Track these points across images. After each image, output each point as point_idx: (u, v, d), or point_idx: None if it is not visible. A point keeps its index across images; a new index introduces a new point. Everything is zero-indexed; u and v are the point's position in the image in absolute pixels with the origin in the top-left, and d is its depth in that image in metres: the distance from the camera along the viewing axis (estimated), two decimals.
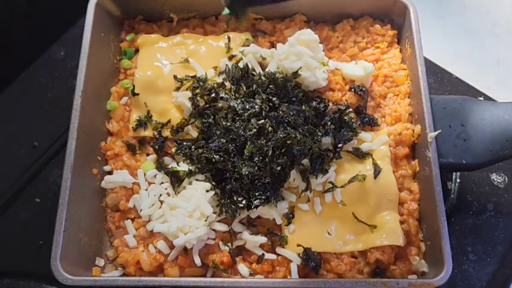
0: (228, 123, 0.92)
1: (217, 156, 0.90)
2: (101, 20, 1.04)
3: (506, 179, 1.11)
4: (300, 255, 0.88)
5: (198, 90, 0.98)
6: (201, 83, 0.99)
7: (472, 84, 1.24)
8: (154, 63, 1.04)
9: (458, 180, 1.11)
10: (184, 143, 0.97)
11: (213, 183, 0.92)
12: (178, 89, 1.00)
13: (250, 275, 0.88)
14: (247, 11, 0.65)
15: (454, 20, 1.48)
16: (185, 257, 0.89)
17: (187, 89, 1.00)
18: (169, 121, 0.98)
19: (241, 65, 1.00)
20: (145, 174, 0.96)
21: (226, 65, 1.01)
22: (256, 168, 0.89)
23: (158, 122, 0.98)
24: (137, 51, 1.09)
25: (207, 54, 1.05)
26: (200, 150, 0.92)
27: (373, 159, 0.95)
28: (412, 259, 0.91)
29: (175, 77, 1.01)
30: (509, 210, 1.08)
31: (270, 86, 0.96)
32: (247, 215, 0.91)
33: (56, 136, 1.11)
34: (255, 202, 0.88)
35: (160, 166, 0.96)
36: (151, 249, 0.90)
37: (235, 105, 0.94)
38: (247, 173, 0.88)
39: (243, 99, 0.96)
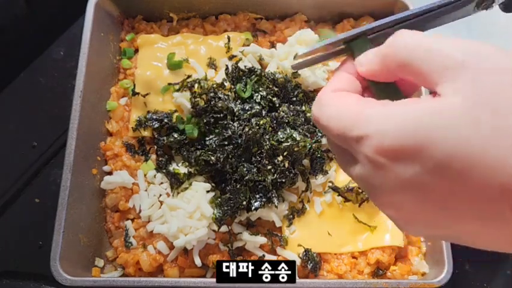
0: (227, 124, 0.92)
1: (214, 158, 0.89)
2: (100, 20, 1.03)
3: None
4: (300, 255, 0.88)
5: (197, 91, 0.98)
6: (200, 83, 0.98)
7: None
8: (153, 63, 1.04)
9: None
10: (183, 145, 0.96)
11: (213, 184, 0.92)
12: (178, 89, 1.00)
13: None
14: None
15: None
16: (185, 258, 0.89)
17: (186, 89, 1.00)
18: (168, 122, 0.98)
19: (241, 65, 1.00)
20: (145, 175, 0.96)
21: (226, 65, 1.01)
22: (256, 169, 0.89)
23: (157, 119, 0.98)
24: (137, 51, 1.08)
25: (207, 54, 1.05)
26: (198, 152, 0.92)
27: None
28: (413, 260, 0.90)
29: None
30: None
31: (270, 86, 0.96)
32: (247, 217, 0.91)
33: (55, 136, 1.10)
34: (255, 204, 0.88)
35: (160, 167, 0.96)
36: (151, 250, 0.90)
37: (233, 106, 0.93)
38: (246, 174, 0.88)
39: (242, 99, 0.95)
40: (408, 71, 0.37)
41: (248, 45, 1.05)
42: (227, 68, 1.00)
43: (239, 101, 0.95)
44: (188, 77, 0.99)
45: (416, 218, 0.36)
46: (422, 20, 0.46)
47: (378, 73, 0.41)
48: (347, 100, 0.40)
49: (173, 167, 0.95)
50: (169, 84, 1.00)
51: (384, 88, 0.42)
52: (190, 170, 0.93)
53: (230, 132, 0.91)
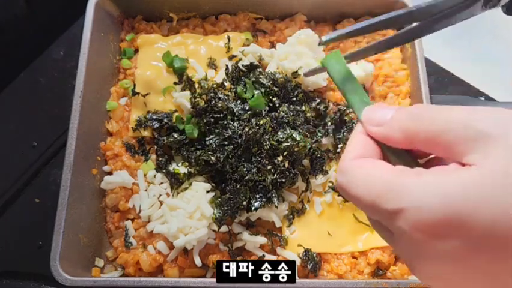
0: (227, 124, 0.92)
1: (214, 158, 0.89)
2: (100, 20, 1.03)
3: None
4: (300, 255, 0.88)
5: (197, 91, 0.98)
6: (200, 83, 0.98)
7: (472, 84, 1.24)
8: (153, 63, 1.04)
9: None
10: (183, 145, 0.96)
11: (213, 184, 0.92)
12: (182, 89, 1.00)
13: None
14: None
15: None
16: (185, 258, 0.89)
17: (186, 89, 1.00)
18: (168, 122, 0.98)
19: (240, 65, 1.00)
20: (145, 175, 0.96)
21: (226, 65, 1.01)
22: (255, 169, 0.88)
23: (157, 119, 0.98)
24: (136, 51, 1.08)
25: (207, 54, 1.05)
26: (198, 152, 0.92)
27: None
28: None
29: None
30: None
31: (270, 86, 0.96)
32: (246, 217, 0.91)
33: (55, 136, 1.11)
34: (255, 204, 0.88)
35: (160, 167, 0.96)
36: (151, 250, 0.90)
37: (233, 106, 0.93)
38: (246, 174, 0.88)
39: (242, 99, 0.95)
40: (432, 144, 0.36)
41: (248, 45, 1.05)
42: (227, 68, 1.00)
43: (239, 101, 0.95)
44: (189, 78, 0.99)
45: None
46: (431, 22, 0.46)
47: (395, 141, 0.40)
48: (374, 168, 0.39)
49: (173, 167, 0.95)
50: (175, 83, 1.00)
51: (397, 152, 0.41)
52: (190, 170, 0.93)
53: (230, 132, 0.91)
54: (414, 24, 0.47)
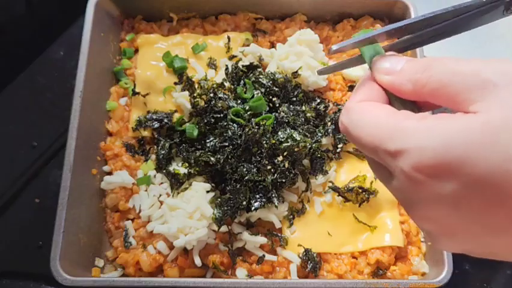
0: (227, 124, 0.92)
1: (214, 159, 0.89)
2: (100, 20, 1.03)
3: None
4: (300, 255, 0.88)
5: (197, 91, 0.98)
6: (200, 83, 0.98)
7: None
8: (153, 63, 1.04)
9: None
10: (183, 145, 0.96)
11: (213, 184, 0.92)
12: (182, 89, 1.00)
13: (248, 276, 0.88)
14: None
15: None
16: (185, 258, 0.89)
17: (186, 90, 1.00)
18: (168, 122, 0.98)
19: (240, 65, 1.00)
20: (145, 175, 0.96)
21: (226, 65, 1.01)
22: (255, 169, 0.88)
23: (157, 119, 0.98)
24: (136, 51, 1.08)
25: (207, 54, 1.05)
26: (198, 153, 0.92)
27: None
28: (413, 260, 0.90)
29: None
30: None
31: (270, 86, 0.96)
32: (246, 218, 0.91)
33: (55, 136, 1.10)
34: (255, 204, 0.88)
35: (160, 167, 0.96)
36: (151, 250, 0.90)
37: (233, 106, 0.93)
38: (246, 174, 0.88)
39: (242, 99, 0.95)
40: (440, 94, 0.37)
41: (248, 45, 1.05)
42: (227, 68, 1.00)
43: (239, 101, 0.95)
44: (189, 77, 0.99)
45: (453, 232, 0.36)
46: (450, 25, 0.46)
47: (404, 91, 0.40)
48: (379, 111, 0.39)
49: (173, 167, 0.95)
50: (175, 83, 1.00)
51: (404, 102, 0.42)
52: (190, 170, 0.93)
53: (230, 133, 0.91)
54: (427, 29, 0.47)
